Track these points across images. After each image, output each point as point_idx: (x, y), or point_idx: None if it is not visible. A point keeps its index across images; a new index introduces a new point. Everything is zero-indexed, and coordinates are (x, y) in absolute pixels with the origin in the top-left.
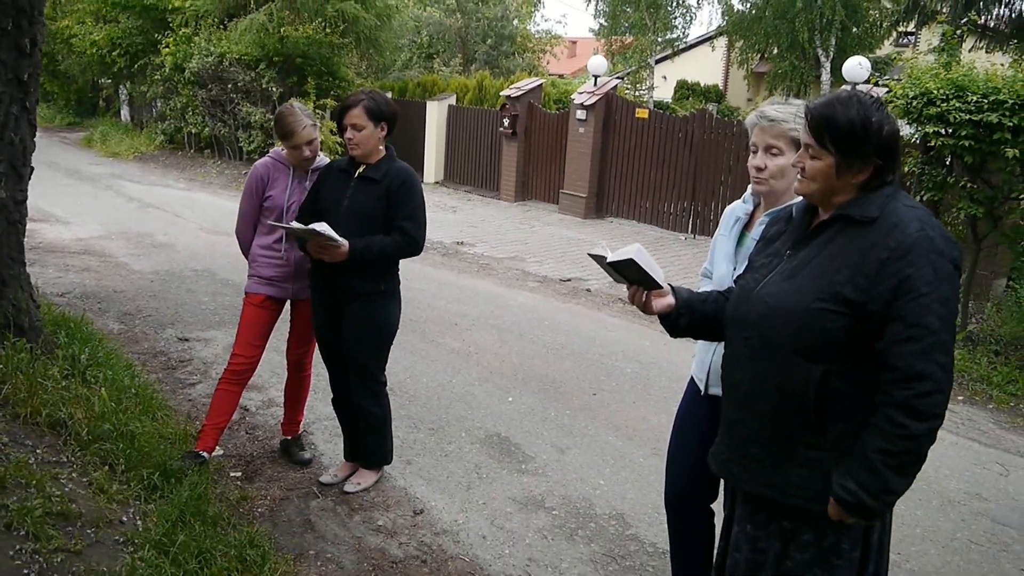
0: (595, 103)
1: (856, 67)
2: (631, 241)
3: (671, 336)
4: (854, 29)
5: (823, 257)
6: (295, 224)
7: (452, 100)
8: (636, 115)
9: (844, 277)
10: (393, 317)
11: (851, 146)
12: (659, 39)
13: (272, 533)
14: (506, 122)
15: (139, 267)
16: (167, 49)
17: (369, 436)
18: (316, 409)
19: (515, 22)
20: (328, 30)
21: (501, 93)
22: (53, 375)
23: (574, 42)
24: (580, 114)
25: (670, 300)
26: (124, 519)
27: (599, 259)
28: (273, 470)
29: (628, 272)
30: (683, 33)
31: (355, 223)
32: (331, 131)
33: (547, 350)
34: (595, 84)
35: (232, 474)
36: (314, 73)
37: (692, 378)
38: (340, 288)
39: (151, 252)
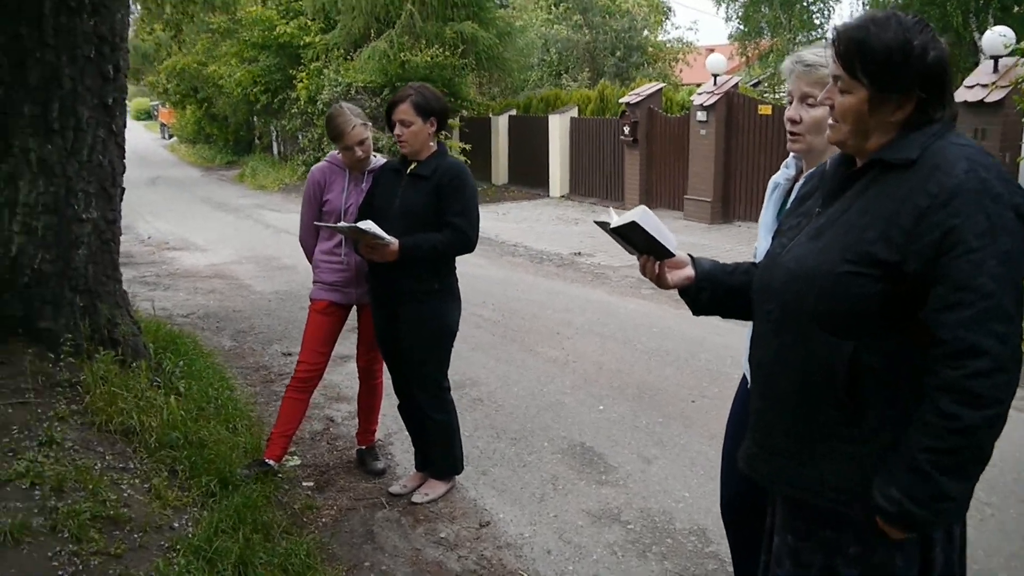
0: (715, 103)
1: (996, 38)
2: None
3: (693, 314)
4: (1015, 8)
5: (853, 211)
6: (341, 223)
7: (574, 112)
8: (759, 112)
9: (875, 233)
10: (451, 317)
11: (888, 75)
12: (798, 37)
13: (330, 543)
14: (626, 129)
15: (260, 288)
16: (301, 83)
17: (436, 444)
18: (397, 419)
19: (644, 33)
20: (448, 52)
21: (620, 100)
22: (135, 386)
23: (711, 50)
24: (700, 115)
25: (689, 272)
26: (176, 525)
27: (604, 226)
28: (346, 480)
29: (636, 240)
30: (822, 29)
31: (407, 222)
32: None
33: (649, 357)
34: (715, 83)
35: (305, 484)
36: None
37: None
38: (395, 289)
39: (274, 274)
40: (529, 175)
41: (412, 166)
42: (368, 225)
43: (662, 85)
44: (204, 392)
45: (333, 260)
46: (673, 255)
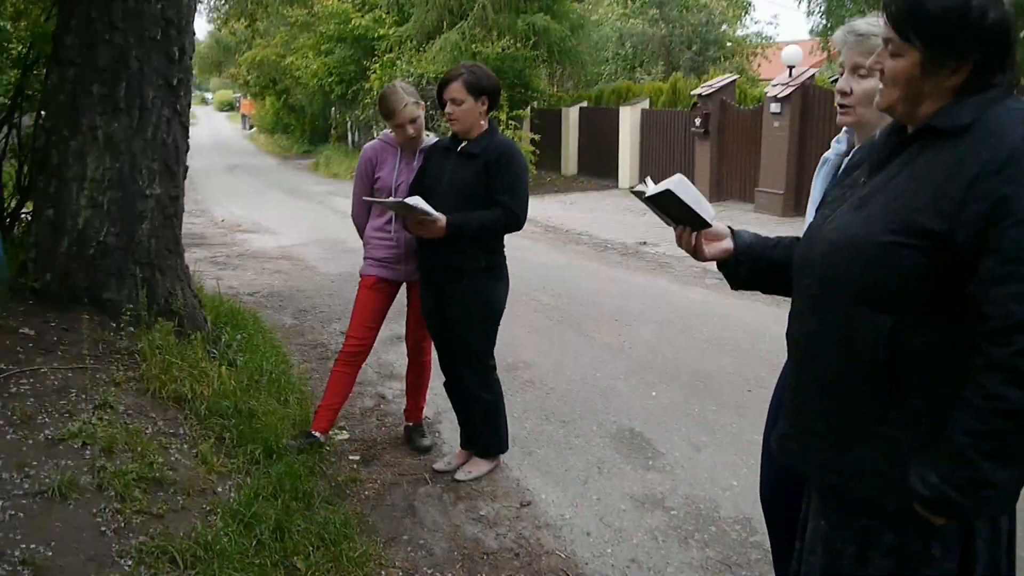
0: (790, 94)
1: None
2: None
3: (732, 288)
4: None
5: (900, 179)
6: (389, 199)
7: (645, 104)
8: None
9: (923, 201)
10: (497, 296)
11: (943, 37)
12: None
13: (370, 515)
14: (697, 121)
15: (324, 269)
16: (374, 74)
17: (481, 423)
18: (446, 398)
19: (722, 27)
20: (519, 44)
21: (692, 92)
22: (190, 356)
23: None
24: (774, 107)
25: (727, 244)
26: (219, 490)
27: (640, 195)
28: (392, 455)
29: (672, 209)
30: None
31: (456, 199)
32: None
33: (708, 345)
34: (790, 75)
35: (351, 457)
36: (507, 86)
37: None
38: (442, 266)
39: (340, 256)
40: (598, 166)
41: (462, 144)
42: (415, 201)
43: (735, 77)
44: (259, 365)
45: (383, 236)
46: (710, 225)
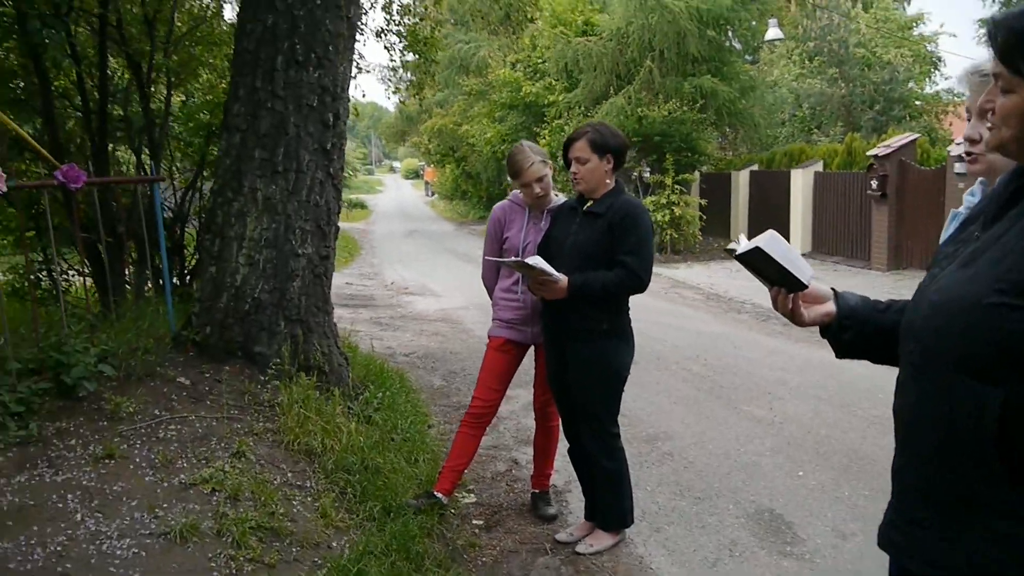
0: None
1: None
2: None
3: (837, 357)
4: None
5: (1012, 234)
6: (509, 258)
7: (819, 167)
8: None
9: None
10: (620, 360)
11: None
12: None
13: None
14: (874, 183)
15: (480, 332)
16: (543, 140)
17: (604, 493)
18: None
19: (909, 84)
20: (685, 107)
21: (868, 153)
22: (327, 411)
23: None
24: (959, 167)
25: (828, 308)
26: (333, 544)
27: (732, 254)
28: (515, 522)
29: (765, 269)
30: None
31: (580, 260)
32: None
33: (868, 424)
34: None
35: (474, 521)
36: (673, 149)
37: None
38: (563, 327)
39: None
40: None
41: (587, 204)
42: (535, 260)
43: (916, 136)
44: (395, 423)
45: (511, 297)
46: (806, 286)
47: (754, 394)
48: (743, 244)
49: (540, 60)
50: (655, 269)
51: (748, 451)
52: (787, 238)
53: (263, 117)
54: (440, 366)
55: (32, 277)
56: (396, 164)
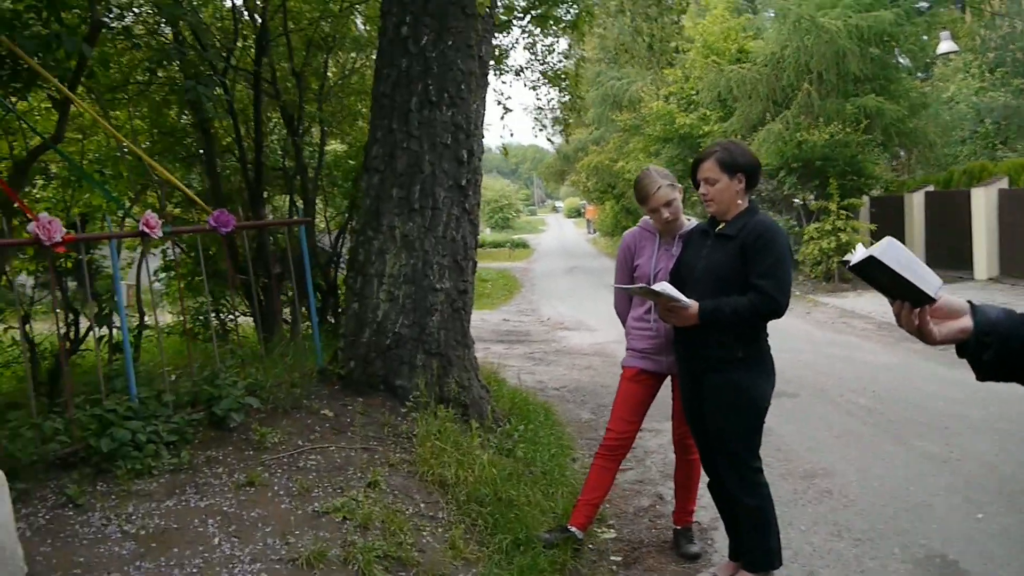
0: None
1: None
2: None
3: (978, 379)
4: None
5: None
6: (636, 285)
7: (1004, 183)
8: None
9: None
10: (758, 390)
11: None
12: None
13: None
14: None
15: None
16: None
17: (748, 532)
18: None
19: None
20: (848, 129)
21: None
22: (464, 443)
23: None
24: None
25: (964, 323)
26: None
27: (845, 266)
28: (657, 560)
29: (884, 281)
30: None
31: (713, 284)
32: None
33: None
34: None
35: (612, 558)
36: (837, 173)
37: None
38: (696, 356)
39: None
40: (948, 256)
41: (719, 226)
42: (663, 287)
43: None
44: (535, 456)
45: (643, 327)
46: (933, 300)
47: (928, 428)
48: (859, 253)
49: (693, 91)
50: (821, 298)
51: (919, 490)
52: (970, 261)
53: (399, 157)
54: (590, 399)
55: (200, 318)
56: (559, 203)
